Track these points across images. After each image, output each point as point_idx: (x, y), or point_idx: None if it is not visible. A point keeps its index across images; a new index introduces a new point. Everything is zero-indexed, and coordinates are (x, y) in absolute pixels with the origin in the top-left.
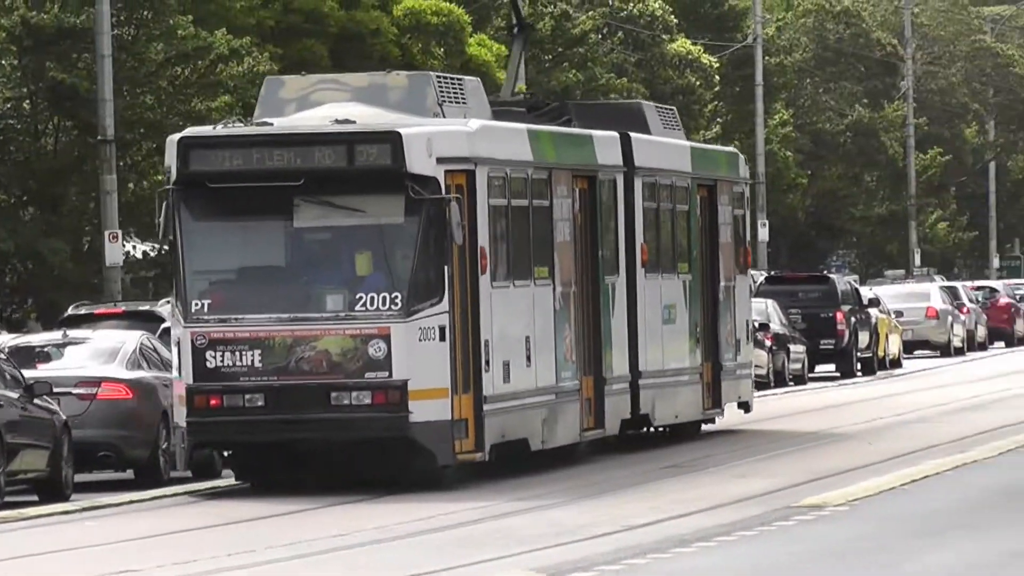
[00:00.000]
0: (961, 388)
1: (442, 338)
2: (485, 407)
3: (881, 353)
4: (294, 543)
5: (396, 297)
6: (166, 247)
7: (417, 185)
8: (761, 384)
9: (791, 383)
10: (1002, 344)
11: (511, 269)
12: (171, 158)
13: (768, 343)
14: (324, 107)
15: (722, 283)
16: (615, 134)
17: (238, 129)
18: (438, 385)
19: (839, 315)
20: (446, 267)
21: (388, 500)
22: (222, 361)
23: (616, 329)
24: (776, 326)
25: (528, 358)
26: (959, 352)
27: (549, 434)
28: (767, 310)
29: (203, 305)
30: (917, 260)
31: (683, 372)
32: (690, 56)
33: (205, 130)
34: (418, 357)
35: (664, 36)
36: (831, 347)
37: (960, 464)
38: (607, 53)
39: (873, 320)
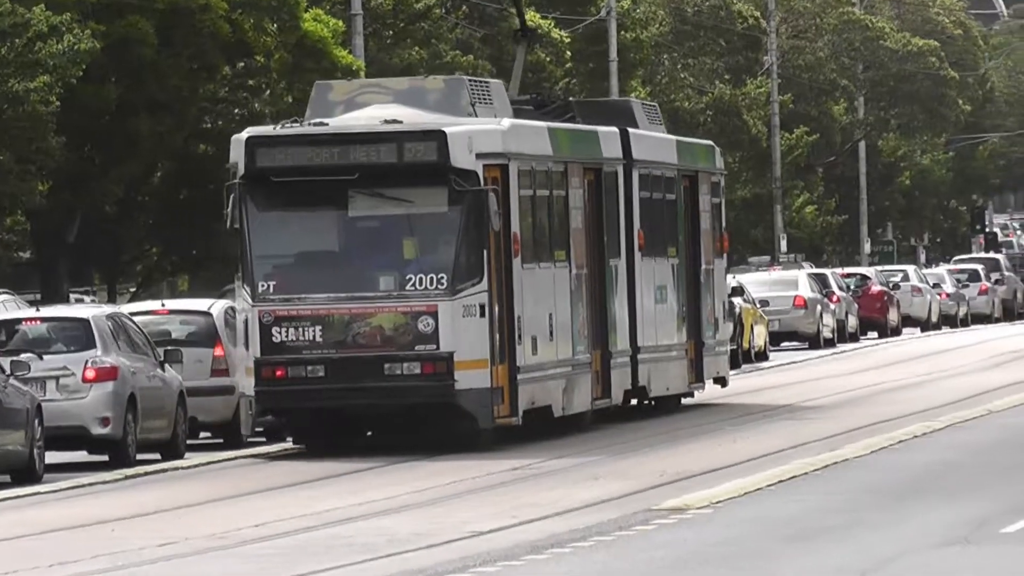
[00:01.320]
0: (831, 382)
1: (482, 314)
2: (519, 376)
3: (746, 345)
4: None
5: (442, 278)
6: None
7: (459, 178)
8: None
9: None
10: (875, 335)
11: (537, 253)
12: (237, 155)
13: None
14: (369, 108)
15: (703, 266)
16: (615, 129)
17: (298, 129)
18: (479, 356)
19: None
20: (485, 251)
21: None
22: (286, 336)
23: (619, 308)
24: None
25: (551, 333)
26: (829, 344)
27: (568, 402)
28: None
29: (269, 286)
30: (783, 246)
31: (672, 348)
32: (540, 31)
33: (267, 130)
34: (462, 331)
35: (511, 10)
36: None
37: (830, 463)
38: (451, 29)
39: (737, 310)
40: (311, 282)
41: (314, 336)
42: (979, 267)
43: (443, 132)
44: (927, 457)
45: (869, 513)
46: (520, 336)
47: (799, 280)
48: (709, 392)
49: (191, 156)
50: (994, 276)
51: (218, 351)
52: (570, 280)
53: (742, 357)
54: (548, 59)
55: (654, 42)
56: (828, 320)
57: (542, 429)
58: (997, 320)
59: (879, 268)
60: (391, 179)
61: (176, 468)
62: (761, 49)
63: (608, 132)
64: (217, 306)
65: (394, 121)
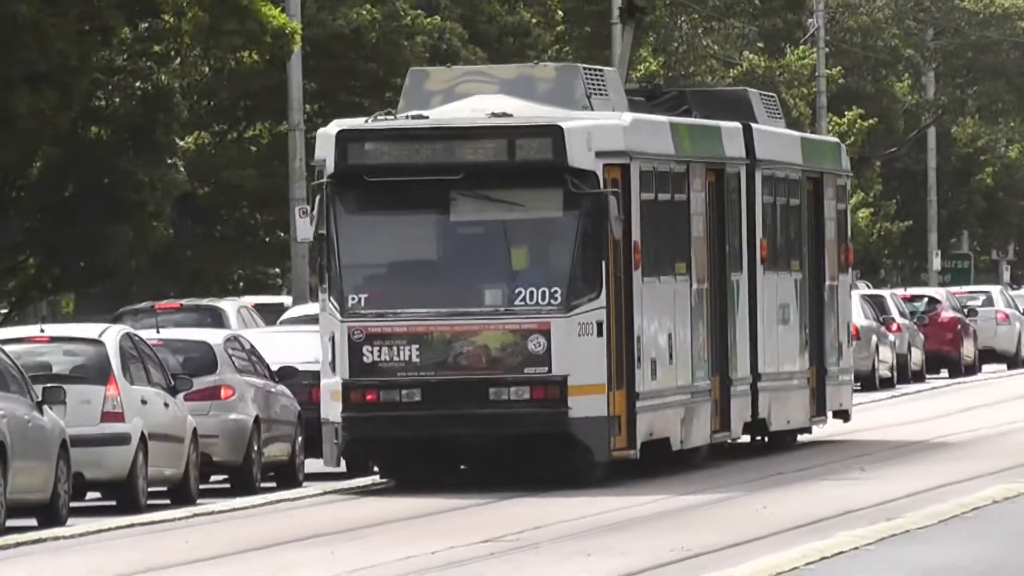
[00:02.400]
0: (888, 431)
1: (599, 333)
2: (638, 404)
3: None
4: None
5: (556, 292)
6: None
7: (577, 179)
8: None
9: None
10: (945, 373)
11: (657, 264)
12: (325, 151)
13: None
14: (471, 99)
15: (827, 282)
16: (738, 125)
17: (395, 122)
18: (596, 381)
19: None
20: (603, 262)
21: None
22: (379, 356)
23: (740, 328)
24: None
25: (670, 356)
26: (887, 384)
27: (686, 434)
28: None
29: (360, 300)
30: None
31: (794, 376)
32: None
33: (359, 123)
34: (577, 352)
35: None
36: None
37: (886, 535)
38: None
39: None
40: (407, 295)
41: (410, 356)
42: None
43: (560, 127)
44: (1013, 528)
45: None
46: (640, 359)
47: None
48: (830, 428)
49: (80, 141)
50: None
51: (111, 390)
52: (690, 296)
53: None
54: (534, 20)
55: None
56: (886, 355)
57: (653, 464)
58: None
59: (951, 289)
60: (499, 179)
61: (56, 537)
62: (804, 9)
63: (731, 128)
64: (111, 333)
65: (503, 114)
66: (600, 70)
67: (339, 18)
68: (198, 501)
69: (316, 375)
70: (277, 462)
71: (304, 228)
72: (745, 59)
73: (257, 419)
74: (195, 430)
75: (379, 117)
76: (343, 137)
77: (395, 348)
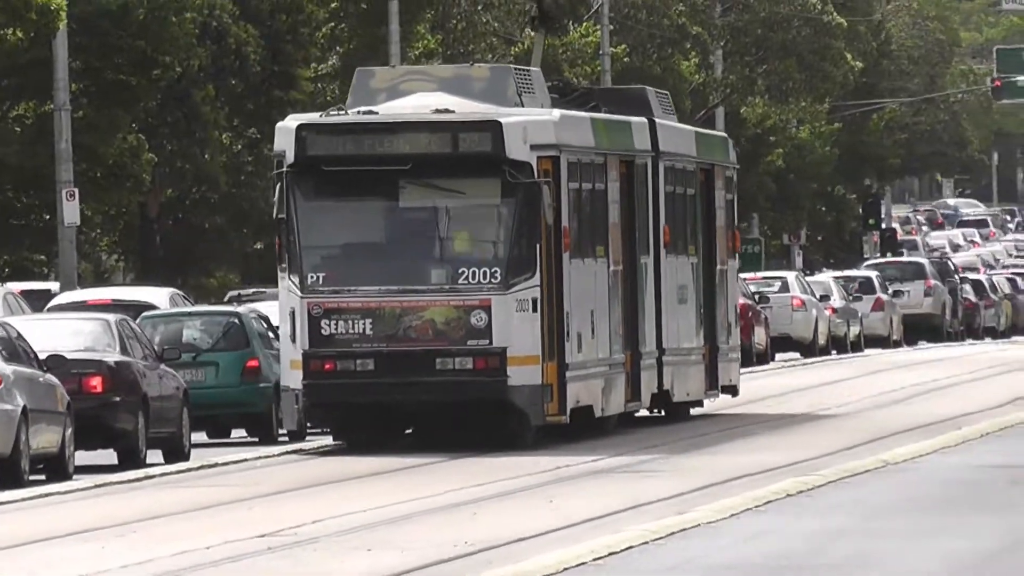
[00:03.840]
0: (668, 428)
1: (534, 309)
2: (567, 374)
3: None
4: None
5: (495, 272)
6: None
7: (514, 170)
8: None
9: None
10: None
11: (582, 247)
12: (285, 143)
13: None
14: (414, 96)
15: (718, 266)
16: (644, 120)
17: (348, 117)
18: (531, 352)
19: None
20: (538, 245)
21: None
22: (336, 329)
23: (648, 307)
24: None
25: (592, 331)
26: None
27: (606, 403)
28: None
29: (318, 278)
30: None
31: (692, 352)
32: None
33: (314, 117)
34: (515, 327)
35: None
36: None
37: (676, 529)
38: None
39: None
40: (361, 274)
41: (364, 329)
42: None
43: (499, 122)
44: (803, 523)
45: None
46: (568, 333)
47: None
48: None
49: None
50: (921, 284)
51: None
52: (608, 276)
53: None
54: None
55: None
56: None
57: (572, 430)
58: (897, 343)
59: (745, 275)
60: (444, 169)
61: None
62: None
63: (638, 123)
64: None
65: (446, 110)
66: (527, 71)
67: None
68: None
69: (85, 363)
70: (46, 454)
71: (71, 212)
72: (527, 36)
73: (25, 409)
74: None
75: (331, 112)
76: (302, 130)
77: (350, 322)
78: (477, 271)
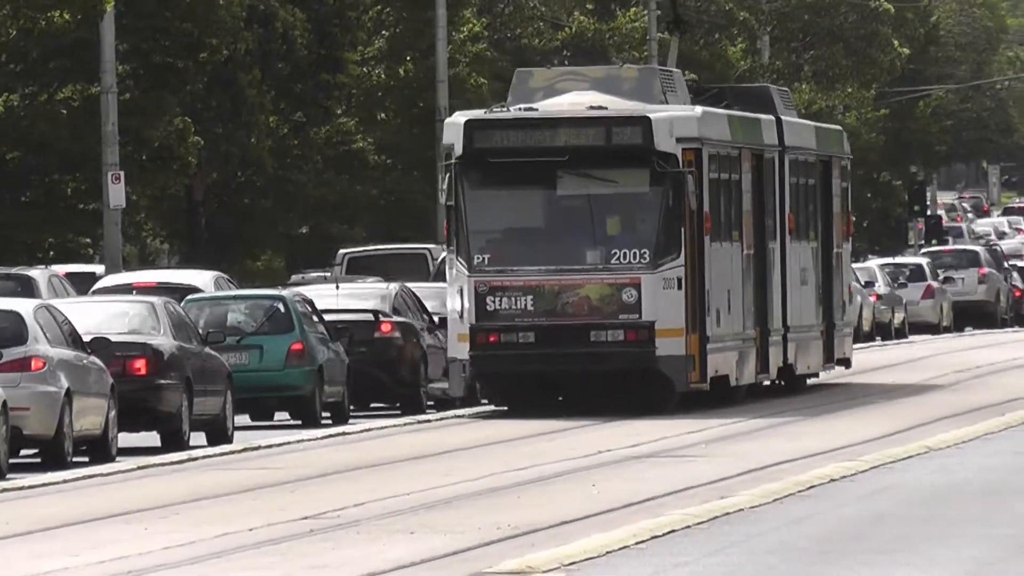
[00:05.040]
0: (721, 410)
1: (679, 287)
2: (708, 346)
3: None
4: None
5: (645, 253)
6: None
7: (661, 160)
8: (444, 403)
9: (484, 401)
10: None
11: (720, 232)
12: (453, 136)
13: None
14: (569, 95)
15: (835, 249)
16: (772, 118)
17: (512, 114)
18: (676, 326)
19: None
20: (682, 229)
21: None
22: (500, 305)
23: (775, 287)
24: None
25: (729, 308)
26: None
27: (740, 373)
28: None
29: (484, 259)
30: None
31: (812, 328)
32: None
33: (479, 113)
34: (661, 302)
35: None
36: None
37: (719, 514)
38: None
39: None
40: (523, 255)
41: (525, 305)
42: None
43: (648, 118)
44: (847, 508)
45: None
46: (709, 308)
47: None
48: (834, 372)
49: None
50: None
51: None
52: (742, 259)
53: None
54: None
55: None
56: None
57: (709, 398)
58: (947, 329)
59: None
60: (597, 161)
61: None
62: None
63: (767, 120)
64: None
65: (599, 107)
66: (670, 71)
67: None
68: (7, 476)
69: (130, 346)
70: (89, 436)
71: (117, 194)
72: (575, 21)
73: (69, 391)
74: (4, 403)
75: (494, 109)
76: (470, 126)
77: (513, 298)
78: (628, 252)
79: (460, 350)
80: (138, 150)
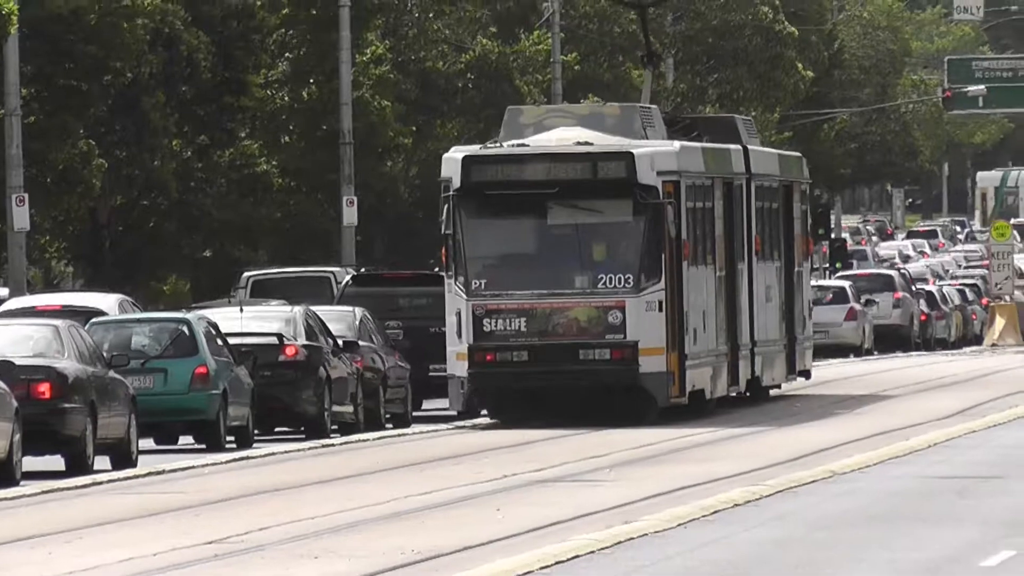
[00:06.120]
0: (634, 433)
1: (660, 309)
2: (686, 363)
3: None
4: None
5: (629, 278)
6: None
7: (643, 192)
8: (348, 427)
9: (389, 425)
10: None
11: (696, 257)
12: (451, 170)
13: (356, 370)
14: (557, 131)
15: (796, 268)
16: (740, 147)
17: (506, 149)
18: (658, 345)
19: None
20: (663, 255)
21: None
22: (495, 326)
23: (744, 305)
24: (369, 345)
25: (704, 326)
26: None
27: (714, 387)
28: (355, 322)
29: (480, 284)
30: None
31: (777, 342)
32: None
33: (475, 149)
34: (644, 324)
35: None
36: (445, 374)
37: (624, 539)
38: None
39: None
40: (516, 280)
41: (519, 326)
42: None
43: (631, 153)
44: (751, 532)
45: None
46: (687, 328)
47: None
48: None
49: None
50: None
51: None
52: (715, 281)
53: None
54: (259, 2)
55: None
56: None
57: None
58: (869, 351)
59: None
60: (585, 192)
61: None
62: None
63: (736, 150)
64: None
65: (586, 143)
66: (649, 108)
67: None
68: None
69: (34, 369)
70: None
71: (21, 217)
72: (478, 44)
73: None
74: None
75: (488, 145)
76: (468, 161)
77: (508, 320)
78: (613, 277)
79: (458, 368)
80: (42, 173)
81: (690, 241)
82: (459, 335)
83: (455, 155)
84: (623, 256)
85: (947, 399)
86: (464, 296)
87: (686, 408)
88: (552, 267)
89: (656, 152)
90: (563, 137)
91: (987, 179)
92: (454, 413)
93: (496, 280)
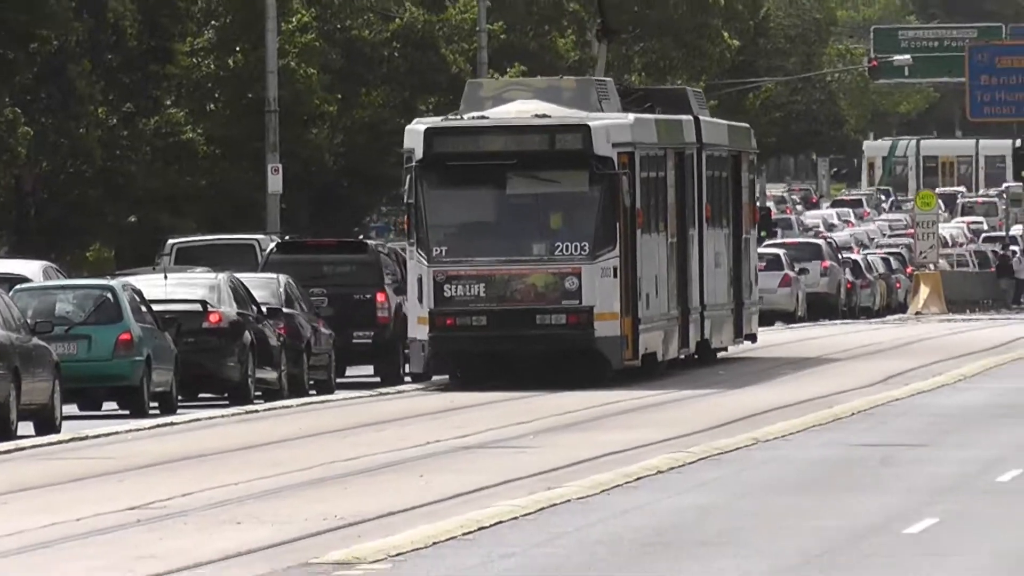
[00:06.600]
0: (562, 399)
1: (615, 275)
2: (639, 327)
3: None
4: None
5: (584, 245)
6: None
7: (599, 163)
8: (272, 393)
9: (312, 392)
10: None
11: (649, 225)
12: (414, 142)
13: (280, 337)
14: (516, 103)
15: (744, 235)
16: (691, 118)
17: (466, 122)
18: (613, 310)
19: (381, 297)
20: (617, 223)
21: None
22: (456, 292)
23: (694, 271)
24: (293, 312)
25: (656, 291)
26: None
27: (666, 350)
28: (279, 289)
29: (442, 251)
30: None
31: (725, 307)
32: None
33: (436, 121)
34: (599, 289)
35: None
36: (369, 341)
37: (547, 505)
38: None
39: None
40: (476, 248)
41: (479, 292)
42: (780, 253)
43: (588, 125)
44: (674, 500)
45: (585, 573)
46: (640, 294)
47: None
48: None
49: None
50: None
51: None
52: (667, 247)
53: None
54: None
55: None
56: None
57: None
58: (801, 318)
59: None
60: (542, 164)
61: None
62: None
63: (687, 120)
64: None
65: (544, 115)
66: (604, 81)
67: None
68: None
69: None
70: None
71: None
72: (404, 13)
73: None
74: None
75: (449, 118)
76: (430, 133)
77: (467, 286)
78: (569, 245)
79: (420, 332)
80: None
81: (643, 210)
82: (420, 300)
83: (417, 127)
84: (579, 225)
85: (872, 367)
86: (426, 263)
87: (639, 370)
88: (511, 235)
89: (611, 124)
90: (522, 110)
91: (874, 148)
92: (410, 376)
93: (456, 248)
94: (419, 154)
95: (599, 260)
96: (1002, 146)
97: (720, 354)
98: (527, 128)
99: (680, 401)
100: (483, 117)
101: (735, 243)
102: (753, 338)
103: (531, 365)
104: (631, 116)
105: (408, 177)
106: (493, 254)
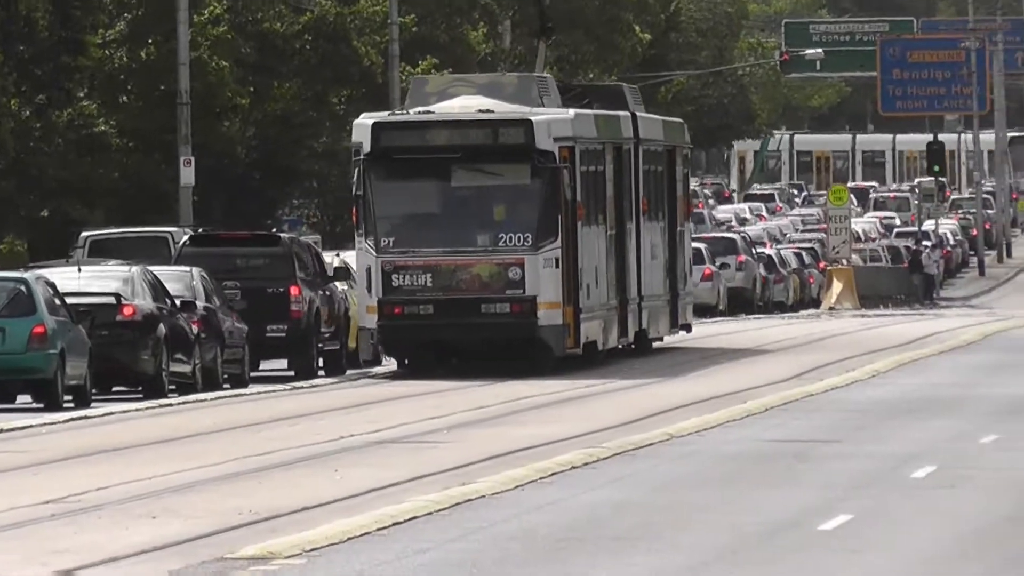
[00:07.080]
0: (478, 393)
1: (557, 266)
2: (581, 316)
3: (352, 344)
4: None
5: (527, 237)
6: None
7: (541, 157)
8: (186, 387)
9: (226, 385)
10: None
11: (589, 217)
12: (362, 136)
13: (194, 330)
14: (460, 99)
15: (679, 228)
16: (628, 114)
17: (413, 116)
18: (555, 300)
19: (295, 290)
20: (559, 216)
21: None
22: (403, 281)
23: (632, 262)
24: (206, 305)
25: (597, 282)
26: None
27: (606, 339)
28: (192, 282)
29: (389, 242)
30: None
31: (661, 297)
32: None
33: (383, 115)
34: (542, 279)
35: None
36: (282, 335)
37: (461, 500)
38: None
39: (340, 298)
40: (423, 239)
41: (425, 282)
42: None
43: (530, 120)
44: (590, 496)
45: (503, 568)
46: (581, 284)
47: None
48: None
49: None
50: (733, 259)
51: None
52: (606, 239)
53: (347, 360)
54: None
55: None
56: None
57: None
58: (723, 312)
59: None
60: (486, 157)
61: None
62: None
63: (625, 116)
64: None
65: (487, 111)
66: (544, 78)
67: None
68: None
69: None
70: None
71: None
72: (316, 5)
73: None
74: None
75: (395, 113)
76: (377, 127)
77: (415, 276)
78: (513, 236)
79: (369, 320)
80: None
81: (584, 202)
82: (369, 290)
83: (365, 121)
84: (522, 217)
85: (785, 362)
86: (374, 253)
87: (580, 358)
88: (456, 227)
89: (553, 119)
90: (466, 105)
91: (744, 142)
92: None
93: (404, 239)
94: (367, 147)
95: (542, 251)
96: (884, 141)
97: (656, 344)
98: (471, 122)
99: (602, 395)
100: (429, 112)
101: (670, 235)
102: (688, 328)
103: (477, 353)
104: (572, 111)
105: (356, 170)
106: (439, 245)
